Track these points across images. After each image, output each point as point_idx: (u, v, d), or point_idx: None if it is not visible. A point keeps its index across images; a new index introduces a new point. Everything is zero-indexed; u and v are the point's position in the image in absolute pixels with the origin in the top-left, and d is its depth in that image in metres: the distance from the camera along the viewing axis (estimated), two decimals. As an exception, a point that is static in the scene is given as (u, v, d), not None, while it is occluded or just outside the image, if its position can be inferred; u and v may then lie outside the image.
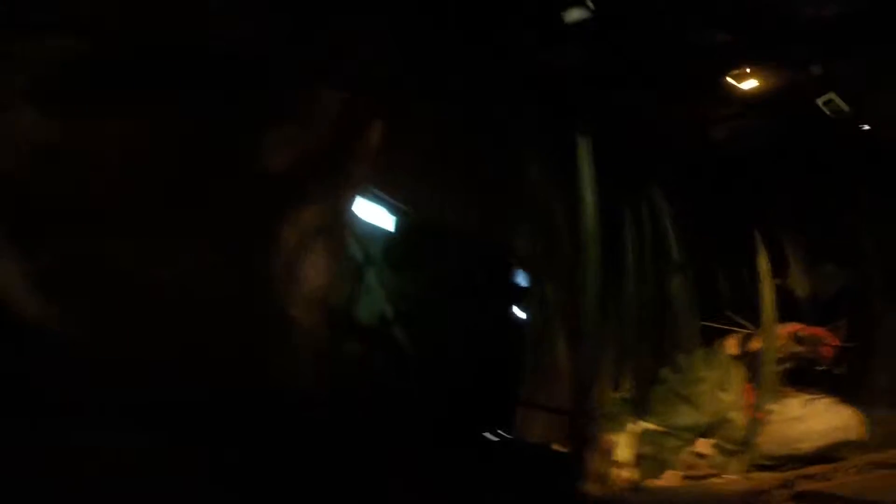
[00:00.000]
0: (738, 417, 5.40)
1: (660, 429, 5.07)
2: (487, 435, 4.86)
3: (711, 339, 6.46)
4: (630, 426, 5.00)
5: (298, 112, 3.54)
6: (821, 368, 5.91)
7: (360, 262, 6.14)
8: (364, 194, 4.72)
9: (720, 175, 6.55)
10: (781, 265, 7.18)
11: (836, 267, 7.04)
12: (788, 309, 6.87)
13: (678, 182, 6.40)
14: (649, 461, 4.99)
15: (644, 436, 5.03)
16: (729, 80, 5.32)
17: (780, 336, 6.00)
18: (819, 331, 6.02)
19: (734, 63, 5.18)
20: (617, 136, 6.08)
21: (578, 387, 4.77)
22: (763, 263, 5.79)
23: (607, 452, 4.74)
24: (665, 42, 5.21)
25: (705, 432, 5.23)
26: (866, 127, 5.81)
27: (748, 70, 5.22)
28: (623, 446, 4.85)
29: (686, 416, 5.18)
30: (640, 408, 5.11)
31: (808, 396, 5.76)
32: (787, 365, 5.98)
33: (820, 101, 5.61)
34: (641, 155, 6.17)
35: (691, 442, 5.17)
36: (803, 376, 6.03)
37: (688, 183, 6.49)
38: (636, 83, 5.61)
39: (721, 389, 5.43)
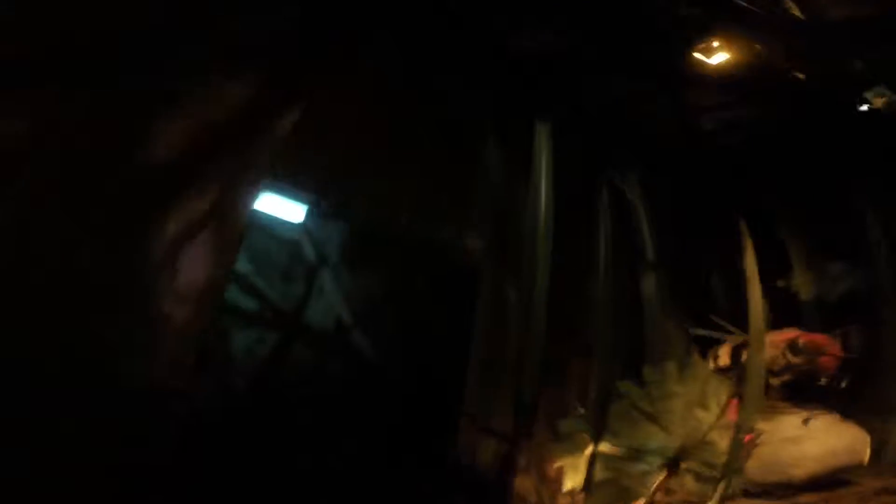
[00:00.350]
0: (720, 439, 4.71)
1: (619, 452, 4.42)
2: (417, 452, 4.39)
3: (703, 348, 5.80)
4: (585, 448, 4.37)
5: (194, 100, 3.37)
6: (822, 382, 5.16)
7: (312, 263, 5.86)
8: (278, 187, 4.42)
9: (708, 166, 5.89)
10: (783, 265, 6.49)
11: (845, 267, 6.28)
12: (791, 313, 6.18)
13: (659, 173, 5.78)
14: (608, 489, 4.34)
15: (601, 460, 4.40)
16: (697, 55, 4.70)
17: (774, 344, 5.28)
18: (820, 338, 5.28)
19: (701, 36, 4.58)
20: (586, 124, 5.53)
21: (516, 403, 4.19)
22: (750, 262, 5.09)
23: (554, 480, 4.14)
24: (629, 16, 4.67)
25: (678, 456, 4.55)
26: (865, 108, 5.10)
27: (715, 43, 4.60)
28: (572, 472, 4.24)
29: (652, 438, 4.49)
30: (598, 427, 4.46)
31: (805, 414, 5.02)
32: (784, 377, 5.26)
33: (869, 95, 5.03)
34: (614, 144, 5.59)
35: (660, 467, 4.50)
36: (802, 391, 5.29)
37: (670, 174, 5.86)
38: (600, 63, 5.05)
39: (699, 406, 4.73)
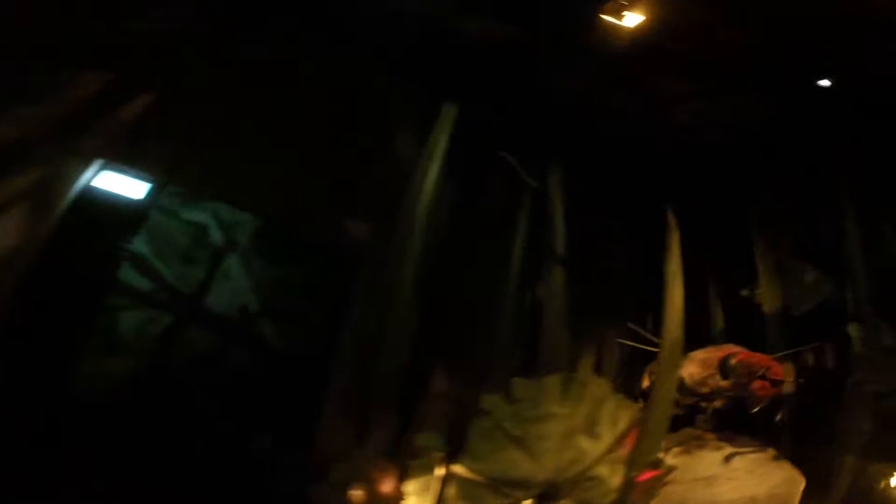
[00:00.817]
0: (612, 475, 4.01)
1: (477, 478, 3.81)
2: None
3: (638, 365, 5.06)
4: (438, 469, 3.80)
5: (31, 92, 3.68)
6: (754, 411, 4.34)
7: (218, 247, 5.58)
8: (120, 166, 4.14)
9: (645, 154, 5.05)
10: (750, 272, 5.57)
11: (820, 275, 5.30)
12: (755, 328, 5.30)
13: (586, 163, 5.00)
14: None
15: (460, 484, 3.82)
16: (606, 17, 3.89)
17: (707, 363, 4.47)
18: (759, 358, 4.42)
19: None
20: (498, 107, 4.84)
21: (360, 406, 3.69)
22: (674, 260, 4.28)
23: (392, 497, 3.63)
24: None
25: (550, 492, 3.89)
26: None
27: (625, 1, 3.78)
28: (422, 492, 3.71)
29: (516, 466, 3.82)
30: (453, 446, 3.87)
31: (730, 449, 4.24)
32: (714, 403, 4.47)
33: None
34: (527, 128, 4.86)
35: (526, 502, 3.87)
36: (735, 421, 4.49)
37: (600, 164, 5.06)
38: (499, 37, 4.34)
39: (584, 434, 4.03)
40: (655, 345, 4.68)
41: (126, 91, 3.87)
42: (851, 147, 4.96)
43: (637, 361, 5.05)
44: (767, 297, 5.29)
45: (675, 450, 4.32)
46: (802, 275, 5.39)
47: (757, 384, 4.27)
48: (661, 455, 4.19)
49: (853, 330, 4.56)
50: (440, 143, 4.56)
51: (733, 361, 4.35)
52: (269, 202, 4.70)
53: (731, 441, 4.31)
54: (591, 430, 4.04)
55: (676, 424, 4.47)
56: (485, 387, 4.02)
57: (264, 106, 4.43)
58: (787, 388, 4.36)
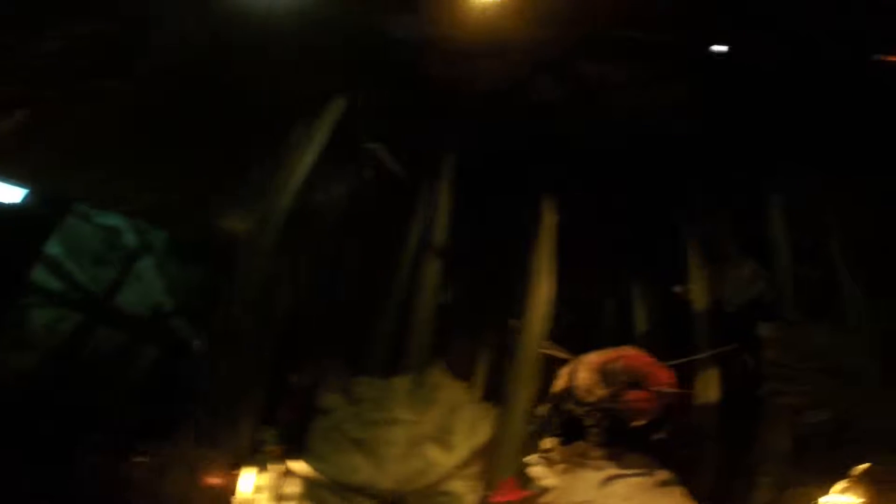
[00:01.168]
0: (469, 492, 3.62)
1: (320, 478, 3.54)
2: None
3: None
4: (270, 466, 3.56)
5: None
6: (635, 425, 3.82)
7: (131, 250, 5.61)
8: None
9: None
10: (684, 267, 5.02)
11: (759, 269, 4.71)
12: (686, 329, 4.76)
13: (485, 158, 4.62)
14: None
15: (306, 484, 3.55)
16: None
17: (594, 367, 4.00)
18: (643, 363, 3.88)
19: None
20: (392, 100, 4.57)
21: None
22: (544, 250, 3.84)
23: (219, 489, 3.43)
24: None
25: (396, 501, 3.55)
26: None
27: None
28: (263, 488, 3.49)
29: (356, 471, 3.51)
30: (291, 444, 3.61)
31: (613, 471, 3.71)
32: (597, 415, 3.98)
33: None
34: (419, 121, 4.54)
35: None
36: (627, 435, 3.96)
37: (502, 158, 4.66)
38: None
39: (435, 443, 3.66)
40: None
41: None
42: (775, 137, 4.44)
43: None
44: (697, 293, 4.76)
45: (561, 467, 3.85)
46: (740, 269, 4.83)
47: (631, 395, 3.71)
48: (540, 472, 3.77)
49: (765, 330, 3.97)
50: (318, 135, 4.37)
51: (618, 366, 3.86)
52: (149, 205, 4.62)
53: (617, 460, 3.74)
54: (443, 439, 3.66)
55: (571, 438, 4.02)
56: (330, 386, 3.74)
57: (147, 110, 4.38)
58: (677, 398, 3.80)
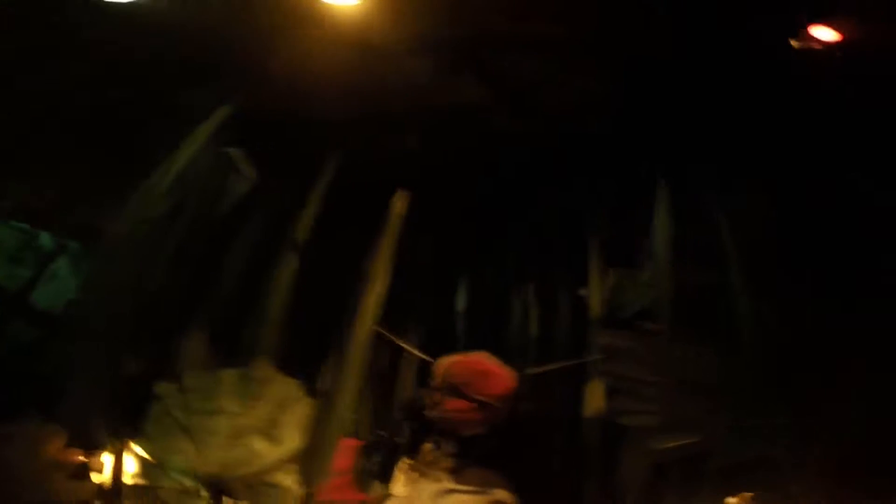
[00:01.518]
0: (292, 484, 3.47)
1: (151, 460, 3.50)
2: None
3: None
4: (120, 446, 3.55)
5: None
6: (466, 436, 3.49)
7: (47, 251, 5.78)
8: None
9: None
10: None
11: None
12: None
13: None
14: (144, 497, 3.49)
15: (139, 463, 3.52)
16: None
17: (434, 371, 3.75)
18: (474, 370, 3.52)
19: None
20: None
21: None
22: (384, 250, 3.69)
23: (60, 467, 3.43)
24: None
25: (221, 489, 3.44)
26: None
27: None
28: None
29: (180, 455, 3.46)
30: (125, 424, 3.61)
31: (448, 485, 3.35)
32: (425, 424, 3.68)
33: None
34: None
35: (199, 493, 3.45)
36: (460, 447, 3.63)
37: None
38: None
39: (261, 435, 3.53)
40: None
41: None
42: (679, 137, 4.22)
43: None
44: (594, 298, 4.50)
45: (412, 475, 3.60)
46: (641, 274, 4.55)
47: (450, 403, 3.42)
48: (397, 477, 3.55)
49: (605, 338, 3.68)
50: (198, 137, 4.39)
51: (453, 370, 3.55)
52: (29, 206, 4.72)
53: (456, 474, 3.40)
54: (269, 432, 3.53)
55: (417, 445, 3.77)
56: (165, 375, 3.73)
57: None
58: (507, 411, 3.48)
